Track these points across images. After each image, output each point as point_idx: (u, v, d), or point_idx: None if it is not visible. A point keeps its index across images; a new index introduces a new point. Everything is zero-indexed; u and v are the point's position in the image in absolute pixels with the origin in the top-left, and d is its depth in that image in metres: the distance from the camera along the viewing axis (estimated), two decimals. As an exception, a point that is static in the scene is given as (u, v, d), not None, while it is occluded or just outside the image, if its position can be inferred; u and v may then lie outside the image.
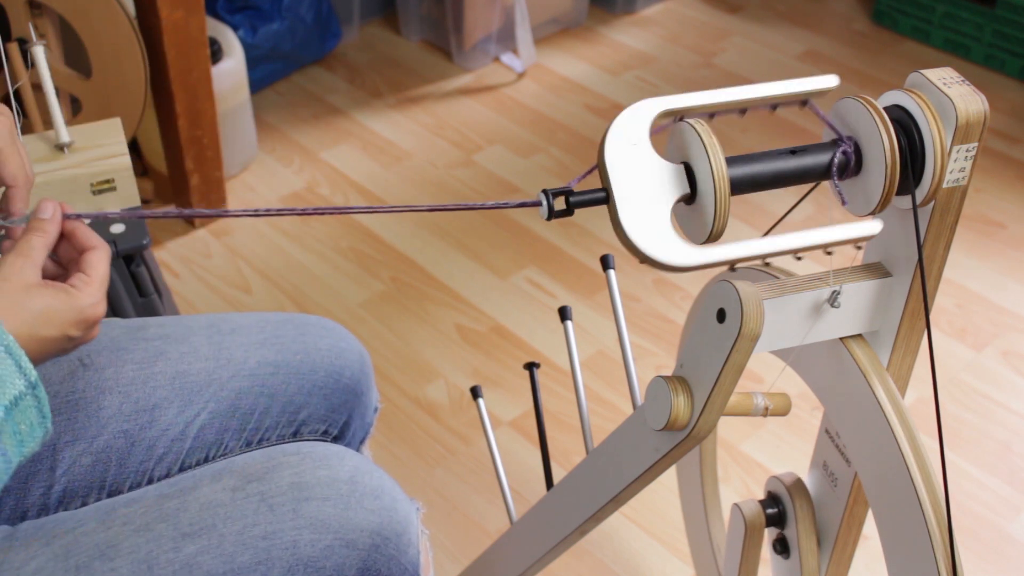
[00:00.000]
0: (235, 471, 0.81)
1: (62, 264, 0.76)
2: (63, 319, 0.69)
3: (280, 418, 0.92)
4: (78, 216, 0.75)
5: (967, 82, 0.71)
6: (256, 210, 0.72)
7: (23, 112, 1.42)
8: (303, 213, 0.71)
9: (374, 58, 2.50)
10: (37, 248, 0.71)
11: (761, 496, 1.01)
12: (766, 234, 0.85)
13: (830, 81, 0.73)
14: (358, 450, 1.02)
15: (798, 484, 0.97)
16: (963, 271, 1.91)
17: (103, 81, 1.61)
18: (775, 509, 0.99)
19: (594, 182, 0.71)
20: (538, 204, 0.70)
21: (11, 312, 0.67)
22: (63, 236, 0.74)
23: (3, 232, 0.77)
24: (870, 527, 1.33)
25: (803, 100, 0.73)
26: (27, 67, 1.41)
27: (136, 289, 1.31)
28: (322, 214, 0.73)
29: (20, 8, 1.49)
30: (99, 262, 0.73)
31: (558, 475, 1.03)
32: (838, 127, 0.73)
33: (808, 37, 2.62)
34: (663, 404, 0.77)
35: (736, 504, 1.01)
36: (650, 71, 2.48)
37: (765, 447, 1.57)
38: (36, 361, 0.68)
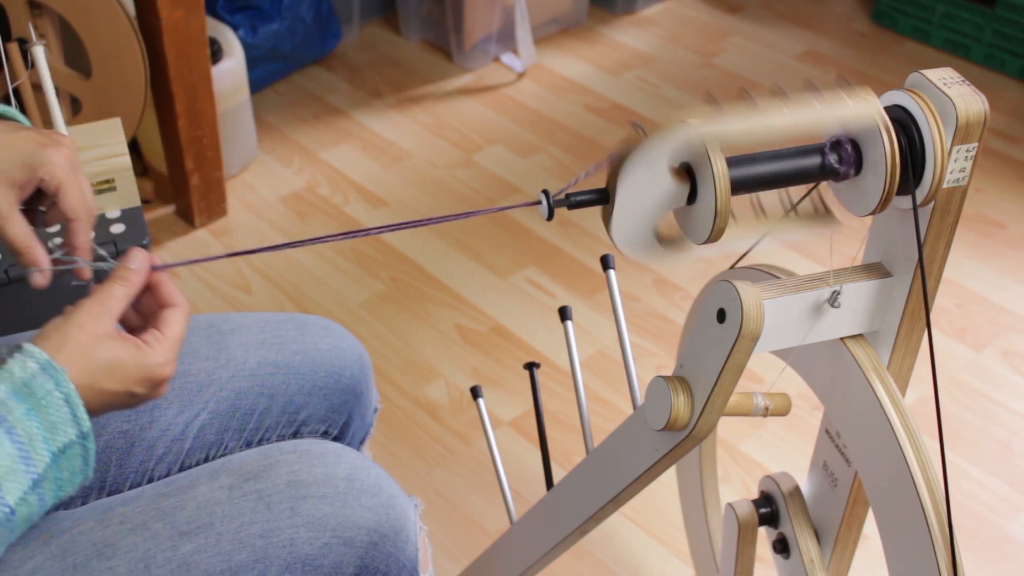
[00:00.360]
0: (232, 469, 0.81)
1: (143, 315, 0.75)
2: (128, 375, 0.68)
3: (280, 418, 0.92)
4: (165, 267, 0.73)
5: (967, 82, 0.71)
6: (320, 237, 0.71)
7: (23, 112, 1.42)
8: (330, 239, 0.71)
9: (374, 58, 2.50)
10: (117, 297, 0.69)
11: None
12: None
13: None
14: (358, 450, 1.02)
15: (790, 483, 0.97)
16: (963, 271, 1.91)
17: (103, 81, 1.61)
18: (768, 508, 0.99)
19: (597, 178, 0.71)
20: (537, 203, 0.70)
21: (77, 361, 0.66)
22: (147, 287, 0.73)
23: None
24: (870, 527, 1.32)
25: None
26: (27, 67, 1.41)
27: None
28: (333, 240, 0.73)
29: (20, 8, 1.49)
30: (176, 321, 0.72)
31: (558, 475, 1.03)
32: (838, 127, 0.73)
33: (808, 37, 2.62)
34: (663, 404, 0.77)
35: (729, 504, 1.00)
36: (650, 71, 2.48)
37: (765, 447, 1.57)
38: (95, 412, 0.67)
